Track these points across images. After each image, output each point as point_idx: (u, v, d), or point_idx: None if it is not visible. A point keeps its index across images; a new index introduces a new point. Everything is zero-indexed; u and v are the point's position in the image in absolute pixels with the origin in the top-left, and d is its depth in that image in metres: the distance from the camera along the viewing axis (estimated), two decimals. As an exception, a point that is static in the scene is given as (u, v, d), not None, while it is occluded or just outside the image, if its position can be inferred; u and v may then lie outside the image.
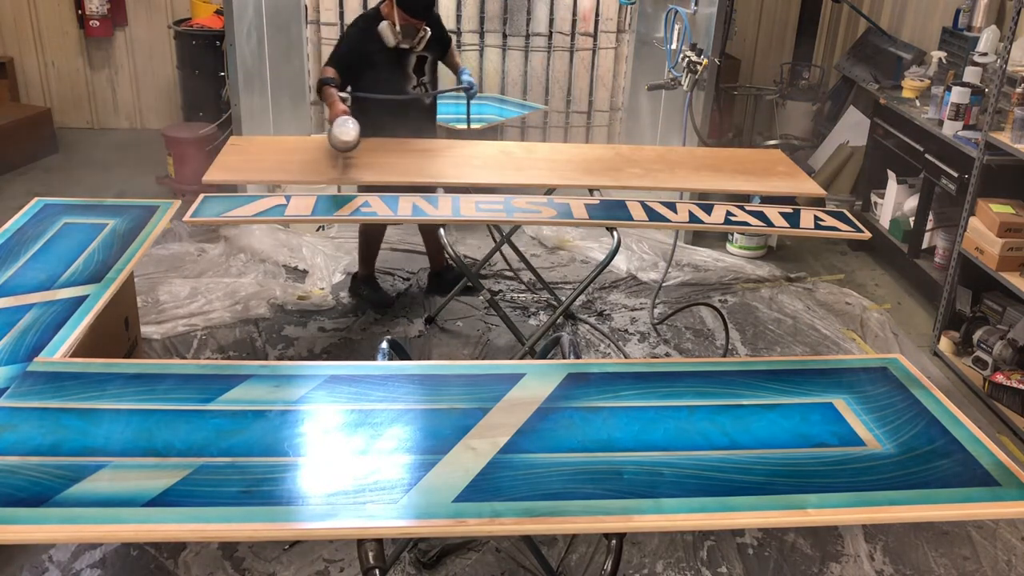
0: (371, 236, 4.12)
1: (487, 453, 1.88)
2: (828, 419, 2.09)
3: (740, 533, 2.79)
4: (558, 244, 4.89)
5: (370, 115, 3.63)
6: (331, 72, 3.64)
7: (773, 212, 3.37)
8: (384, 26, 3.65)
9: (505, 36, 5.37)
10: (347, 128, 3.34)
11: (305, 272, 4.40)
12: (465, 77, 3.95)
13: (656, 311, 4.21)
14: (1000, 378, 3.53)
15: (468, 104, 4.09)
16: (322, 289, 4.22)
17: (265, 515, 1.69)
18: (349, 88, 3.69)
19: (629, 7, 5.23)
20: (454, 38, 5.39)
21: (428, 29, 3.72)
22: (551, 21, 5.31)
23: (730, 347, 3.95)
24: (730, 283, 4.59)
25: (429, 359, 3.70)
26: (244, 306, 4.00)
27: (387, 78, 3.76)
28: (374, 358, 2.36)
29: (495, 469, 1.83)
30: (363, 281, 4.20)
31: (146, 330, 3.73)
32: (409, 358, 2.58)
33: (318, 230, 4.87)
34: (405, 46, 3.71)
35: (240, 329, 3.88)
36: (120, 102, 6.77)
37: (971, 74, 4.27)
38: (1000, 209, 3.65)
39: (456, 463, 1.84)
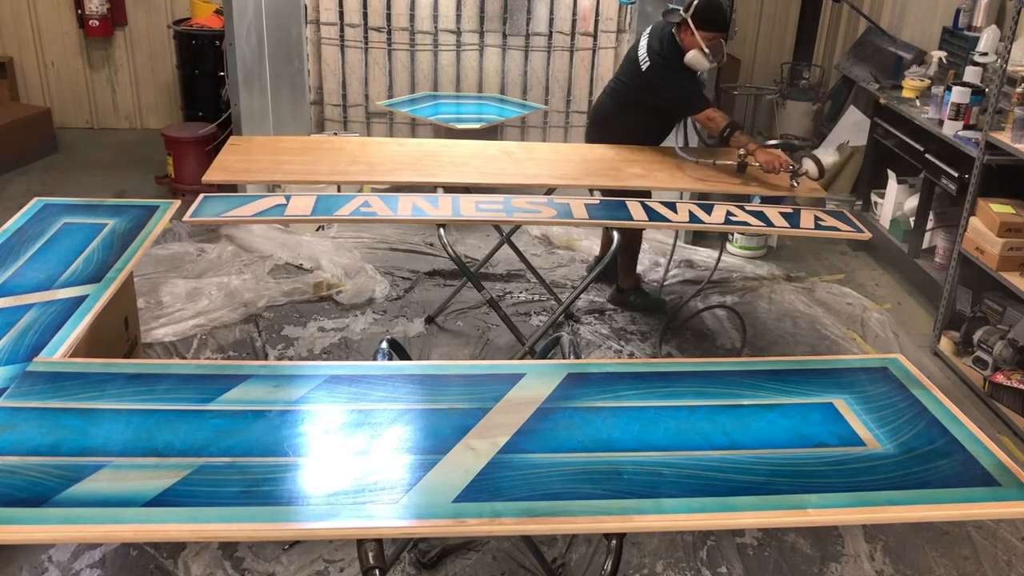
0: (631, 246, 4.09)
1: (487, 453, 1.87)
2: (828, 419, 2.08)
3: (740, 533, 2.79)
4: (566, 244, 4.89)
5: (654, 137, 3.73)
6: (722, 114, 3.65)
7: (773, 212, 3.37)
8: (693, 55, 3.58)
9: (505, 36, 5.37)
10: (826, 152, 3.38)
11: (310, 270, 4.40)
12: None
13: (665, 309, 4.21)
14: (1000, 378, 3.53)
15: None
16: (345, 283, 4.23)
17: (265, 515, 1.69)
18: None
19: (629, 7, 5.23)
20: (454, 38, 5.40)
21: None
22: (551, 21, 5.31)
23: (734, 347, 3.95)
24: (730, 283, 4.59)
25: (429, 359, 3.70)
26: (245, 306, 4.00)
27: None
28: (374, 358, 2.35)
29: (495, 469, 1.83)
30: (632, 291, 4.19)
31: (155, 333, 3.74)
32: (409, 358, 2.58)
33: (318, 230, 4.87)
34: (716, 63, 3.65)
35: (240, 329, 3.88)
36: (120, 102, 6.77)
37: (971, 74, 4.27)
38: (1000, 209, 3.65)
39: (456, 463, 1.84)
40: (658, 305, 4.21)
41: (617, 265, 4.14)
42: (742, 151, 3.57)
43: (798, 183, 3.47)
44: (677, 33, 3.65)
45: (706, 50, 3.57)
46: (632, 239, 4.09)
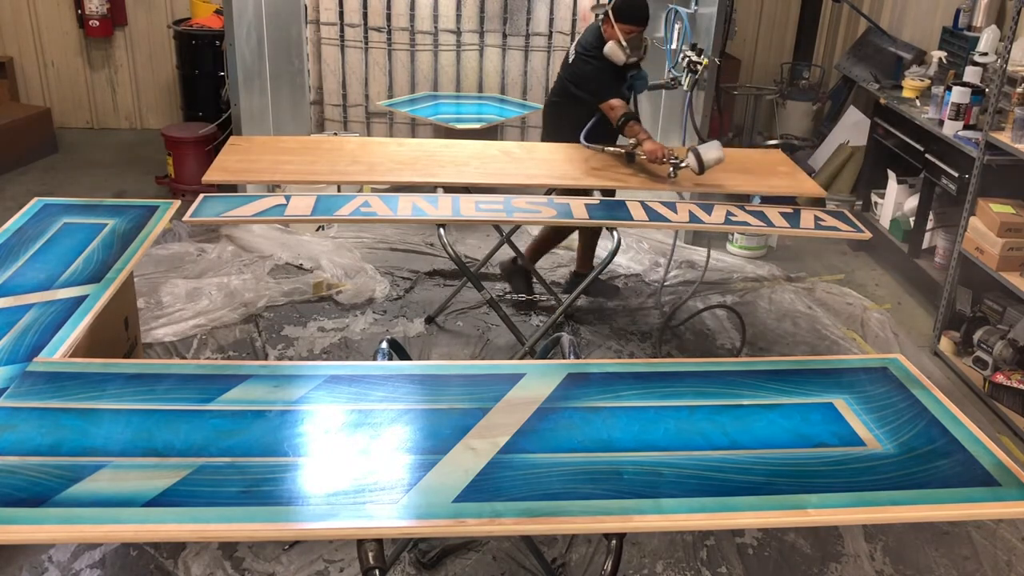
0: (558, 236, 4.14)
1: (487, 453, 1.87)
2: (828, 419, 2.08)
3: (740, 533, 2.79)
4: (566, 244, 4.88)
5: (605, 137, 3.70)
6: (622, 104, 3.65)
7: (773, 212, 3.37)
8: (610, 47, 3.63)
9: (505, 36, 5.38)
10: (715, 147, 3.42)
11: (310, 270, 4.40)
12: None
13: (664, 309, 4.21)
14: (1000, 378, 3.53)
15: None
16: (345, 283, 4.23)
17: (265, 515, 1.69)
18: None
19: (629, 7, 5.22)
20: (454, 38, 5.40)
21: (646, 36, 3.67)
22: (551, 21, 5.31)
23: (734, 347, 3.95)
24: (730, 283, 4.59)
25: (429, 359, 3.70)
26: (245, 306, 4.00)
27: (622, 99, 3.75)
28: (374, 358, 2.35)
29: (495, 469, 1.83)
30: (522, 273, 4.20)
31: (155, 333, 3.74)
32: (409, 358, 2.58)
33: (318, 230, 4.87)
34: (635, 59, 3.68)
35: (240, 329, 3.88)
36: (120, 102, 6.77)
37: (971, 74, 4.27)
38: (1000, 209, 3.65)
39: (456, 463, 1.84)
40: (527, 291, 4.19)
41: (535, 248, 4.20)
42: (632, 141, 3.60)
43: (676, 175, 3.48)
44: (602, 26, 3.70)
45: (624, 43, 3.60)
46: (561, 231, 4.11)
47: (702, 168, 3.39)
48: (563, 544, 2.72)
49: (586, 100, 3.76)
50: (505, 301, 4.20)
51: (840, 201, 5.28)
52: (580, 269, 4.32)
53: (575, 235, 4.73)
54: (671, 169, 3.49)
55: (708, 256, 4.13)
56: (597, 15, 3.72)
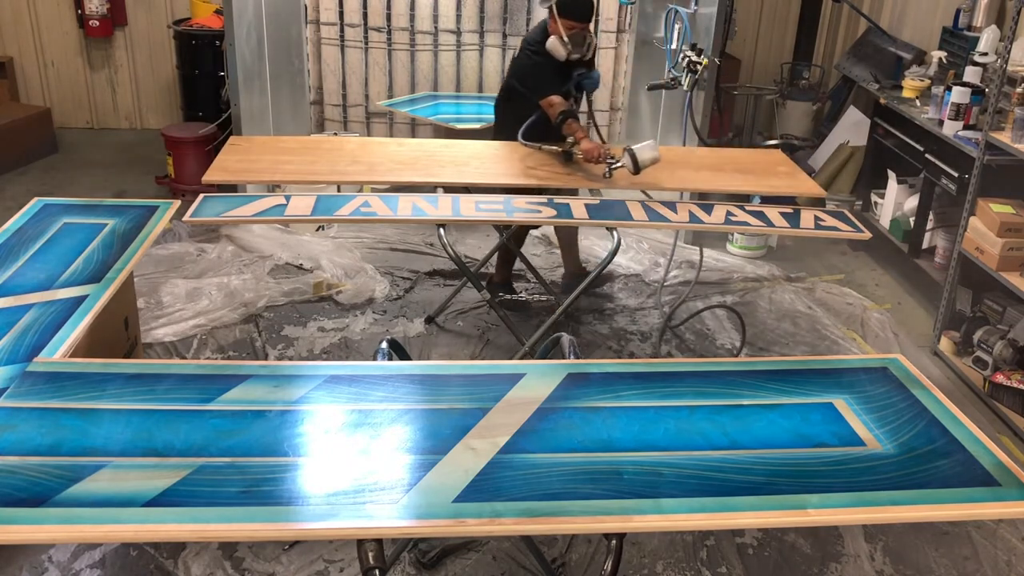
0: (519, 241, 4.11)
1: (487, 453, 1.87)
2: (828, 419, 2.08)
3: (740, 533, 2.79)
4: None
5: (547, 135, 3.64)
6: (561, 102, 3.59)
7: (773, 212, 3.37)
8: (552, 41, 3.60)
9: (505, 36, 5.37)
10: (650, 147, 3.40)
11: (310, 270, 4.40)
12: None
13: (664, 309, 4.21)
14: (1000, 378, 3.53)
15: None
16: (345, 283, 4.23)
17: (265, 515, 1.69)
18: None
19: (629, 7, 5.23)
20: (454, 38, 5.40)
21: (594, 36, 3.65)
22: (551, 21, 5.30)
23: (734, 347, 3.95)
24: (730, 283, 4.59)
25: (429, 359, 3.70)
26: (245, 306, 4.00)
27: (563, 96, 3.69)
28: (374, 358, 2.35)
29: (495, 469, 1.83)
30: (502, 286, 4.18)
31: (155, 333, 3.73)
32: (409, 358, 2.58)
33: (318, 230, 4.87)
34: (576, 56, 3.64)
35: (240, 329, 3.88)
36: (120, 102, 6.77)
37: (971, 74, 4.27)
38: (1000, 209, 3.65)
39: (456, 463, 1.84)
40: (522, 306, 4.16)
41: (501, 261, 4.17)
42: (570, 139, 3.57)
43: (611, 174, 3.47)
44: (548, 21, 3.68)
45: (565, 38, 3.58)
46: (520, 235, 4.09)
47: (637, 168, 3.38)
48: (563, 544, 2.72)
49: (527, 96, 3.72)
50: (505, 302, 4.20)
51: (840, 201, 5.28)
52: (571, 268, 4.31)
53: (581, 233, 4.73)
54: (607, 169, 3.48)
55: (701, 257, 4.12)
56: (546, 8, 3.69)
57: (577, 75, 3.75)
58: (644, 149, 3.37)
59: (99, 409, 1.99)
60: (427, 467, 1.83)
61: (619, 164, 3.44)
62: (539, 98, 3.66)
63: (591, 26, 3.68)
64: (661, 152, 3.47)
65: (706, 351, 3.93)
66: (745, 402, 2.13)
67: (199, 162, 5.19)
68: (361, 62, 5.38)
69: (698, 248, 4.91)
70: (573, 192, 3.71)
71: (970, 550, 2.80)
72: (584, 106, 4.03)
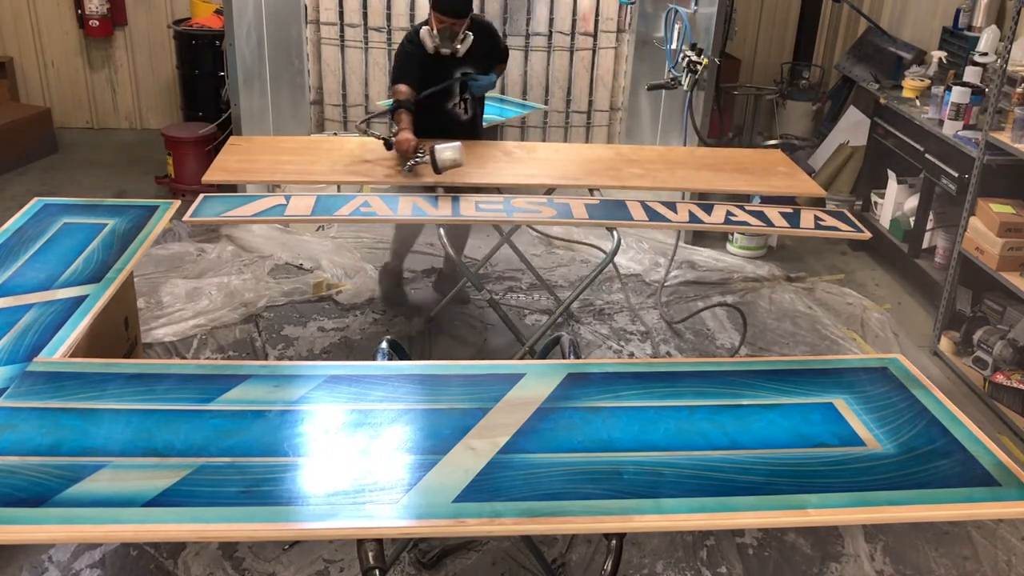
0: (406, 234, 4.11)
1: (487, 453, 1.87)
2: (828, 419, 2.08)
3: (740, 533, 2.79)
4: (567, 246, 4.89)
5: (415, 130, 3.56)
6: (404, 92, 3.57)
7: (773, 212, 3.37)
8: (423, 31, 3.62)
9: (505, 36, 5.37)
10: (452, 148, 3.36)
11: (310, 270, 4.40)
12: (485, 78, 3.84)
13: (664, 309, 4.21)
14: (1000, 378, 3.53)
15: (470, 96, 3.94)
16: (345, 283, 4.23)
17: (265, 515, 1.69)
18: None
19: (629, 7, 5.23)
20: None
21: (469, 33, 3.62)
22: (551, 21, 5.30)
23: (734, 347, 3.95)
24: (730, 283, 4.59)
25: (429, 359, 3.70)
26: (245, 306, 4.00)
27: (430, 92, 3.66)
28: (374, 358, 2.35)
29: (495, 469, 1.83)
30: (388, 274, 4.20)
31: (155, 333, 3.73)
32: (409, 358, 2.58)
33: (318, 230, 4.87)
34: (445, 51, 3.62)
35: (240, 329, 3.88)
36: (120, 102, 6.77)
37: (971, 74, 4.27)
38: (1000, 209, 3.65)
39: (456, 463, 1.84)
40: (400, 300, 4.19)
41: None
42: (394, 128, 3.58)
43: (410, 170, 3.45)
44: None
45: (435, 31, 3.59)
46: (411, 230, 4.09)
47: (436, 168, 3.36)
48: (563, 544, 2.72)
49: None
50: (505, 301, 4.20)
51: (840, 201, 5.28)
52: (447, 270, 4.29)
53: (576, 234, 4.73)
54: (406, 163, 3.45)
55: (676, 246, 4.04)
56: None
57: (462, 74, 3.74)
58: (445, 150, 3.35)
59: (99, 409, 1.99)
60: (427, 467, 1.83)
61: (423, 160, 3.42)
62: (392, 83, 3.71)
63: (464, 25, 3.61)
64: (661, 151, 3.46)
65: (706, 351, 3.93)
66: (745, 402, 2.13)
67: (199, 162, 5.19)
68: (361, 62, 5.37)
69: (697, 248, 4.94)
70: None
71: (970, 550, 2.81)
72: (469, 108, 3.91)
